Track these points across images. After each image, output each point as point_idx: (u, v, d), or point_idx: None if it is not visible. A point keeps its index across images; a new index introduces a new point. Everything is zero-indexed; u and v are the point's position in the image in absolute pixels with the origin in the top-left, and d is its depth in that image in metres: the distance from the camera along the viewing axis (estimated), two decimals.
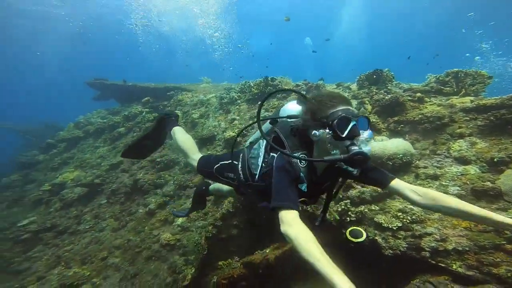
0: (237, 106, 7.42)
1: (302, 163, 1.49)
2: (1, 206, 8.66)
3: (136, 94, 10.98)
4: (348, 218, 3.00)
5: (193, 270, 3.39)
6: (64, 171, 8.86)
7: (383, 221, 2.74)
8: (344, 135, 1.31)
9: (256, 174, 1.73)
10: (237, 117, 6.93)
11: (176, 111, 8.36)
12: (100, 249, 5.72)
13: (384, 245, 2.62)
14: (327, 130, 1.34)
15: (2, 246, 6.65)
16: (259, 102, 1.81)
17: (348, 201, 3.16)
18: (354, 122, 1.31)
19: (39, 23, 21.75)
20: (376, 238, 2.69)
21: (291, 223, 1.22)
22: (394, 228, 2.66)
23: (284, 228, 1.22)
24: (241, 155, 1.95)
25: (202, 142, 6.72)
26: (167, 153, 7.36)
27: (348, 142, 1.31)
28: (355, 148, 1.27)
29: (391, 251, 2.56)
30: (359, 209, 3.00)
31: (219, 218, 3.69)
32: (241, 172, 1.87)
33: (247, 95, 7.44)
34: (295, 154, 1.46)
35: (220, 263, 3.46)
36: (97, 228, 6.32)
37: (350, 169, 1.38)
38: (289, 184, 1.41)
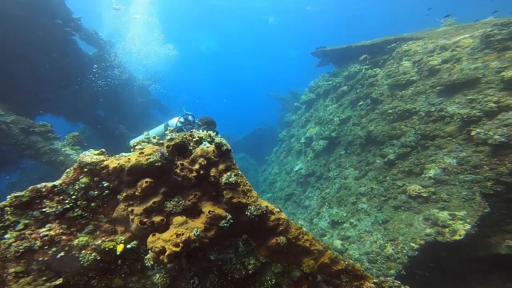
0: None
1: None
2: (282, 155, 12.87)
3: (352, 54, 11.08)
4: None
5: (468, 227, 2.95)
6: (309, 127, 11.25)
7: None
8: None
9: None
10: None
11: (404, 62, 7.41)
12: (349, 195, 6.76)
13: None
14: None
15: (291, 186, 9.98)
16: None
17: None
18: None
19: None
20: None
21: None
22: None
23: None
24: None
25: (453, 88, 5.60)
26: (399, 104, 6.80)
27: None
28: None
29: None
30: None
31: (507, 174, 2.79)
32: None
33: None
34: None
35: None
36: (342, 176, 7.48)
37: None
38: None
